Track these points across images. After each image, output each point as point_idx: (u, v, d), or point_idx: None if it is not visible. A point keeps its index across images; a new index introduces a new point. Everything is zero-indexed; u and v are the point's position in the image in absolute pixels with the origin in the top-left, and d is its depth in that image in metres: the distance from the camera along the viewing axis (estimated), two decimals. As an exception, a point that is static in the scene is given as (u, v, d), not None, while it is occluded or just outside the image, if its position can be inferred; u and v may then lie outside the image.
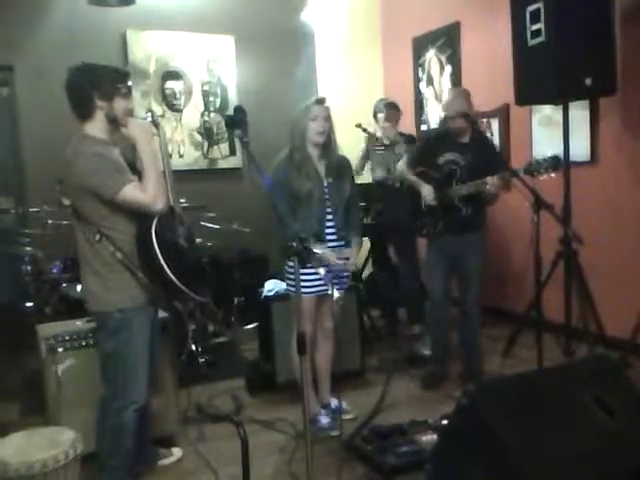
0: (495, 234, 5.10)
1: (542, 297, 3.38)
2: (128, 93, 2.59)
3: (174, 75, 5.51)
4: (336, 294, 2.77)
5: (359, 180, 4.11)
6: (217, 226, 4.74)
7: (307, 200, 3.15)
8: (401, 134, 4.74)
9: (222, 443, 3.13)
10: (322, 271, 2.54)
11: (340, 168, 3.28)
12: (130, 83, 2.65)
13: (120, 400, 2.55)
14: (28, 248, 4.34)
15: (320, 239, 3.14)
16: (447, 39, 5.55)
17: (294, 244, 2.24)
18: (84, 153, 2.41)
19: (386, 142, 4.73)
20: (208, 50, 5.60)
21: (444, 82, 5.64)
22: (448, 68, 5.60)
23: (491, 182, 3.42)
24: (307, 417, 2.37)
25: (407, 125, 5.40)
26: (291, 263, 3.03)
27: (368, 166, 5.04)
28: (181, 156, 5.53)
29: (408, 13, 6.03)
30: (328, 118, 3.18)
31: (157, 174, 2.50)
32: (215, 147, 5.70)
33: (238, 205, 5.09)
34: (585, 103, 4.20)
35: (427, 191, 3.69)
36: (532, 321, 3.64)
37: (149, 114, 2.65)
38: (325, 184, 3.22)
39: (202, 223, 4.66)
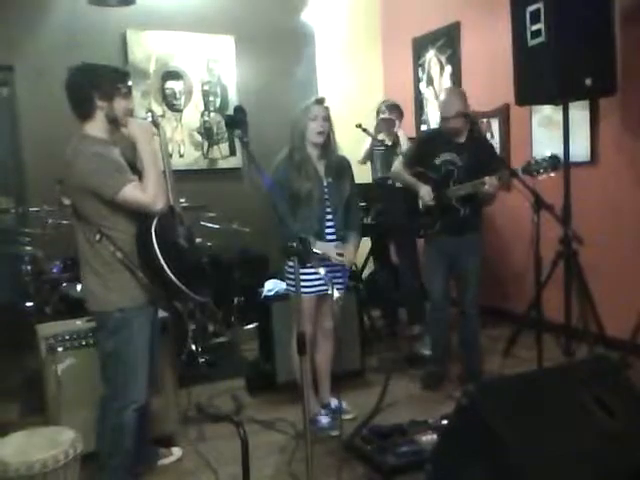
0: (495, 234, 5.11)
1: (542, 297, 3.39)
2: (128, 93, 2.59)
3: (174, 75, 5.51)
4: (336, 294, 2.78)
5: (359, 180, 4.11)
6: (217, 226, 4.74)
7: (307, 200, 3.15)
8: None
9: (222, 443, 3.13)
10: (322, 271, 2.54)
11: (340, 168, 3.28)
12: (130, 83, 2.65)
13: (120, 400, 2.55)
14: (28, 248, 4.34)
15: (320, 239, 3.14)
16: (447, 39, 5.55)
17: (294, 244, 2.24)
18: (84, 153, 2.41)
19: (388, 143, 4.75)
20: (208, 50, 5.60)
21: (444, 82, 5.64)
22: (448, 68, 5.60)
23: (489, 182, 3.42)
24: (307, 417, 2.37)
25: (407, 125, 5.39)
26: (291, 263, 3.04)
27: (368, 165, 5.06)
28: (181, 156, 5.53)
29: (408, 13, 6.03)
30: (328, 118, 3.18)
31: (157, 174, 2.50)
32: (215, 147, 5.70)
33: (238, 205, 5.09)
34: (585, 103, 4.20)
35: (425, 191, 3.68)
36: (532, 321, 3.64)
37: (149, 114, 2.65)
38: (325, 184, 3.22)
39: (202, 223, 4.66)
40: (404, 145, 4.61)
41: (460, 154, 3.64)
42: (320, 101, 3.20)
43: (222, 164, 5.72)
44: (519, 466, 1.96)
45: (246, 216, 4.89)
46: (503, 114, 4.98)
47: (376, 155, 4.95)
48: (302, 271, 2.53)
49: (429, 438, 2.91)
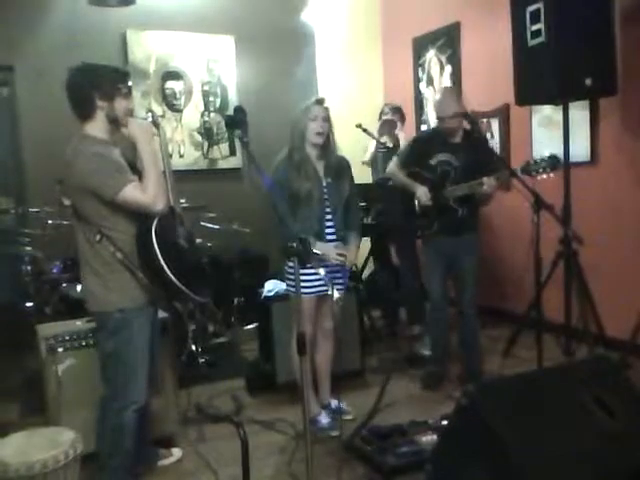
0: (495, 234, 5.11)
1: (542, 297, 3.38)
2: (128, 93, 2.59)
3: (174, 75, 5.51)
4: (336, 294, 2.77)
5: (359, 180, 4.12)
6: (217, 226, 4.74)
7: (307, 200, 3.15)
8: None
9: (222, 443, 3.13)
10: (322, 271, 2.54)
11: (339, 168, 3.27)
12: (130, 83, 2.65)
13: (120, 400, 2.55)
14: (28, 248, 4.34)
15: (320, 239, 3.14)
16: (447, 39, 5.55)
17: (294, 244, 2.24)
18: (84, 153, 2.41)
19: (389, 145, 4.77)
20: (208, 50, 5.60)
21: (444, 82, 5.64)
22: (448, 68, 5.60)
23: (488, 183, 3.41)
24: (307, 417, 2.37)
25: (407, 125, 5.40)
26: (291, 263, 3.04)
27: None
28: (181, 156, 5.53)
29: (408, 13, 6.03)
30: (327, 119, 3.18)
31: (157, 174, 2.50)
32: (215, 147, 5.70)
33: (238, 205, 5.09)
34: (585, 103, 4.20)
35: (422, 192, 3.66)
36: (532, 321, 3.64)
37: (149, 114, 2.65)
38: (324, 184, 3.22)
39: (202, 223, 4.66)
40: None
41: (456, 154, 3.64)
42: (320, 101, 3.20)
43: (222, 164, 5.72)
44: (519, 466, 1.96)
45: (246, 216, 4.89)
46: (503, 114, 4.98)
47: (378, 157, 4.96)
48: (302, 271, 2.53)
49: (429, 438, 2.91)
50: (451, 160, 3.65)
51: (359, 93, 6.14)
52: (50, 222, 4.26)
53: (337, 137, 3.26)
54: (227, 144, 5.73)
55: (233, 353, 4.64)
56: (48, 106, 4.51)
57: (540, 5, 3.66)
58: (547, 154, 3.30)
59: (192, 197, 4.38)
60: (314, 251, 2.66)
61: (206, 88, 5.64)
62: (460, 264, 3.72)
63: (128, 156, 2.55)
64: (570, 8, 3.60)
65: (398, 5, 6.16)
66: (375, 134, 4.86)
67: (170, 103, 5.51)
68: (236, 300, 5.04)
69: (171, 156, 5.26)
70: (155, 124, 2.63)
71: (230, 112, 5.15)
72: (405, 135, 4.86)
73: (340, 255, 3.15)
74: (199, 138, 5.63)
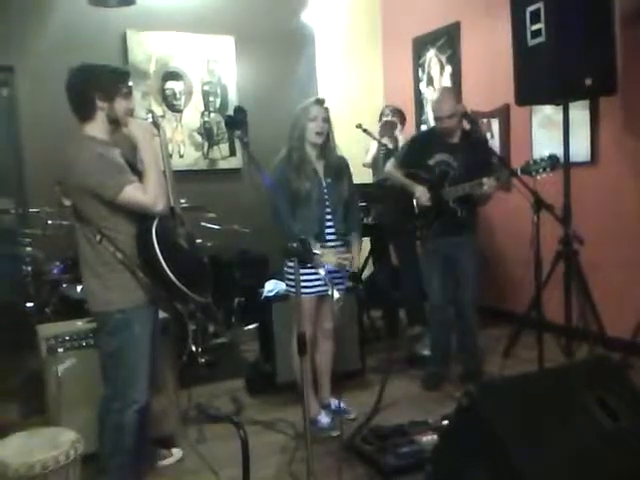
0: (495, 235, 5.11)
1: (542, 297, 3.38)
2: (129, 93, 2.58)
3: (174, 75, 5.51)
4: (336, 295, 2.77)
5: (360, 180, 4.12)
6: (217, 226, 4.74)
7: (306, 200, 3.14)
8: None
9: (222, 444, 3.12)
10: (322, 272, 2.54)
11: (338, 168, 3.27)
12: (131, 83, 2.65)
13: (121, 400, 2.55)
14: (28, 248, 4.34)
15: (320, 240, 3.14)
16: (447, 39, 5.55)
17: (295, 245, 2.24)
18: (84, 154, 2.41)
19: (390, 146, 4.77)
20: (208, 50, 5.60)
21: (444, 82, 5.64)
22: (448, 68, 5.60)
23: (488, 183, 3.41)
24: (307, 418, 2.37)
25: (408, 125, 5.39)
26: (290, 264, 3.04)
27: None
28: (181, 156, 5.53)
29: (408, 13, 6.03)
30: (327, 119, 3.18)
31: (158, 175, 2.50)
32: (215, 147, 5.70)
33: (238, 205, 5.09)
34: (585, 103, 4.20)
35: (421, 192, 3.65)
36: (532, 321, 3.65)
37: (150, 115, 2.65)
38: (324, 184, 3.22)
39: (202, 223, 4.66)
40: None
41: (454, 154, 3.63)
42: (320, 101, 3.20)
43: (222, 164, 5.72)
44: (520, 467, 1.96)
45: (246, 216, 4.88)
46: (503, 114, 4.98)
47: (380, 158, 4.97)
48: (302, 272, 2.53)
49: (429, 439, 2.91)
50: (449, 160, 3.64)
51: (359, 93, 6.14)
52: (50, 222, 4.26)
53: (337, 138, 3.26)
54: (227, 144, 5.73)
55: (233, 353, 4.64)
56: (48, 106, 4.50)
57: (540, 5, 3.66)
58: (547, 154, 3.30)
59: (192, 197, 4.38)
60: (314, 251, 2.66)
61: (206, 88, 5.64)
62: (461, 265, 3.72)
63: (128, 157, 2.55)
64: (570, 8, 3.60)
65: (398, 5, 6.16)
66: (376, 135, 4.86)
67: (170, 103, 5.51)
68: (236, 300, 5.05)
69: (171, 156, 5.26)
70: (155, 124, 2.63)
71: (230, 112, 5.14)
72: (404, 137, 4.86)
73: (344, 260, 3.15)
74: (199, 138, 5.63)
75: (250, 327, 4.86)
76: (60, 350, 2.93)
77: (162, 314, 2.99)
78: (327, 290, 3.10)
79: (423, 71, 5.92)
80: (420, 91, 5.99)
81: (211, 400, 3.75)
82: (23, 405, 3.70)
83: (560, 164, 3.42)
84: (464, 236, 3.69)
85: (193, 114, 5.59)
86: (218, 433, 3.28)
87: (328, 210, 3.22)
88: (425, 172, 3.69)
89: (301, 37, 6.00)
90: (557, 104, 4.02)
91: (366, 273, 5.27)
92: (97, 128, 2.49)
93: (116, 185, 2.38)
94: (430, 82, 5.85)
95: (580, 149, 4.23)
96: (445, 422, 2.93)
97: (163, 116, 5.34)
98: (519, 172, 3.27)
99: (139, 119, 2.62)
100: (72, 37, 4.94)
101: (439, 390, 3.79)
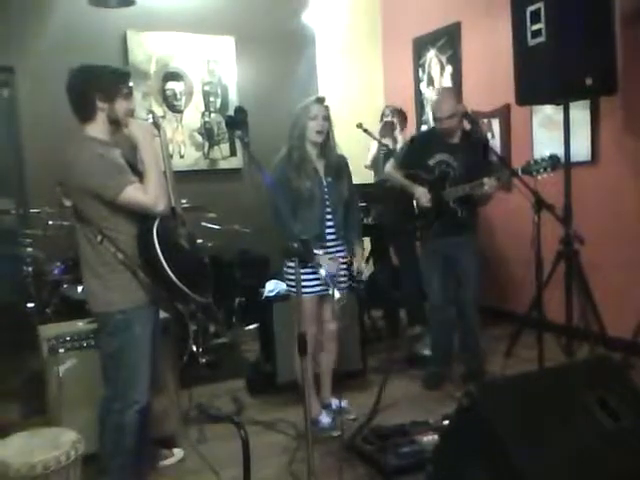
0: (496, 235, 5.11)
1: (543, 297, 3.38)
2: (129, 94, 2.58)
3: (175, 76, 5.51)
4: (337, 294, 2.77)
5: (360, 180, 4.12)
6: (218, 226, 4.74)
7: (307, 200, 3.14)
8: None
9: (223, 444, 3.12)
10: (322, 272, 2.54)
11: (338, 167, 3.27)
12: (131, 84, 2.65)
13: (121, 401, 2.55)
14: (29, 249, 4.34)
15: (320, 240, 3.14)
16: (447, 39, 5.55)
17: (295, 245, 2.24)
18: (85, 154, 2.41)
19: (390, 147, 4.77)
20: (208, 51, 5.60)
21: (445, 82, 5.64)
22: (449, 68, 5.60)
23: (489, 183, 3.41)
24: (308, 418, 2.37)
25: (408, 126, 5.39)
26: (290, 264, 3.04)
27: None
28: (182, 157, 5.53)
29: (408, 13, 6.03)
30: (327, 117, 3.17)
31: (159, 175, 2.50)
32: (216, 148, 5.70)
33: (239, 205, 5.09)
34: (586, 103, 4.20)
35: (421, 193, 3.65)
36: (533, 321, 3.64)
37: (150, 115, 2.65)
38: (324, 183, 3.22)
39: (203, 223, 4.66)
40: None
41: (454, 155, 3.63)
42: (320, 100, 3.19)
43: (223, 165, 5.72)
44: (520, 467, 1.96)
45: (247, 216, 4.88)
46: (504, 114, 4.98)
47: (380, 158, 4.97)
48: (302, 271, 2.53)
49: (430, 438, 2.91)
50: (449, 160, 3.64)
51: (359, 94, 6.14)
52: (51, 223, 4.25)
53: (337, 138, 3.26)
54: (228, 144, 5.73)
55: (234, 353, 4.64)
56: (48, 107, 4.50)
57: (540, 5, 3.66)
58: (548, 154, 3.30)
59: (193, 197, 4.38)
60: (315, 252, 2.66)
61: (207, 89, 5.64)
62: (462, 265, 3.72)
63: (129, 157, 2.55)
64: (570, 8, 3.60)
65: (398, 5, 6.16)
66: (376, 135, 4.87)
67: (171, 104, 5.51)
68: (237, 300, 5.04)
69: (172, 157, 5.26)
70: (156, 125, 2.63)
71: (231, 112, 5.10)
72: (403, 138, 4.87)
73: (349, 263, 3.16)
74: (200, 139, 5.63)
75: (251, 327, 4.86)
76: (61, 350, 2.93)
77: (163, 314, 2.99)
78: (328, 290, 3.09)
79: (423, 71, 5.92)
80: (420, 91, 5.99)
81: (212, 400, 3.75)
82: (24, 405, 3.70)
83: (561, 164, 3.42)
84: (464, 236, 3.69)
85: (193, 114, 5.59)
86: (219, 433, 3.28)
87: (328, 210, 3.21)
88: (425, 172, 3.68)
89: (301, 37, 6.00)
90: (557, 104, 4.02)
91: (366, 273, 5.27)
92: (98, 129, 2.49)
93: (117, 186, 2.38)
94: (431, 82, 5.85)
95: (581, 149, 4.22)
96: (446, 422, 2.93)
97: (163, 116, 5.34)
98: (520, 172, 3.28)
99: (139, 120, 2.62)
100: (72, 37, 4.94)
101: (440, 390, 3.79)
